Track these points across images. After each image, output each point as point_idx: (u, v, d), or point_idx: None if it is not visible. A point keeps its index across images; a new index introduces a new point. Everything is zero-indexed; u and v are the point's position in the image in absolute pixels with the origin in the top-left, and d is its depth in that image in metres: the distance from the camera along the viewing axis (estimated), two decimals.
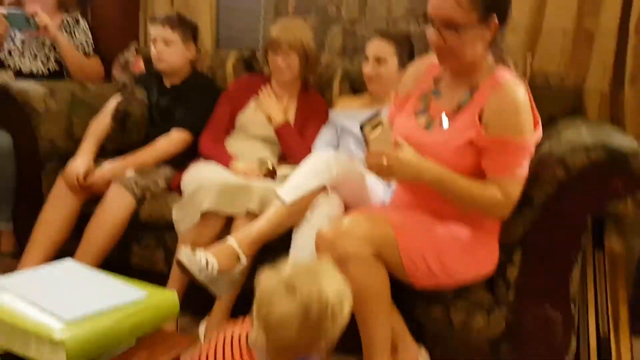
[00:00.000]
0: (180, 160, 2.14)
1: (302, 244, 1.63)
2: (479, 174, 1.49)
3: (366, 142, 1.38)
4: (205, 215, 1.79)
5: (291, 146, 2.09)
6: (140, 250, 2.02)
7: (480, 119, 1.48)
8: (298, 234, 1.66)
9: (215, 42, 2.62)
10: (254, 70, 2.40)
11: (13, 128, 2.21)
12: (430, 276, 1.52)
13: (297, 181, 1.67)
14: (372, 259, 1.47)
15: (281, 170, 2.02)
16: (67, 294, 0.94)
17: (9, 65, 2.44)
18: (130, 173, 2.02)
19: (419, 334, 1.66)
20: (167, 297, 0.97)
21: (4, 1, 2.55)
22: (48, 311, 0.87)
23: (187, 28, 2.22)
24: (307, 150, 2.04)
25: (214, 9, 2.58)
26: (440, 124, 1.50)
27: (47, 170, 2.17)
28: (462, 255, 1.53)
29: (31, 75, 2.42)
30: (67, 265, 1.08)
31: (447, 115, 1.52)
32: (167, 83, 2.27)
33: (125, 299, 0.93)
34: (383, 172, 1.41)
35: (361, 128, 1.36)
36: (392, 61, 2.04)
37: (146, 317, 0.93)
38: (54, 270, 1.05)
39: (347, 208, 1.73)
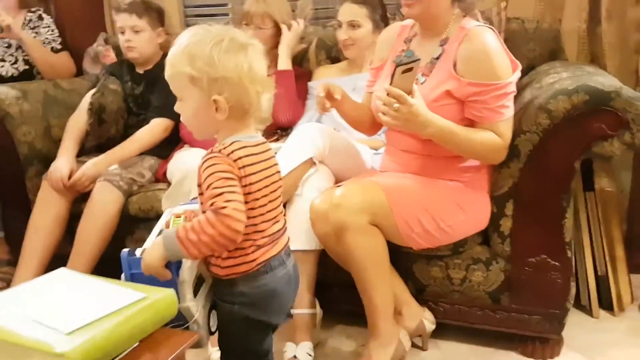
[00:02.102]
0: (164, 149, 2.11)
1: (296, 218, 1.63)
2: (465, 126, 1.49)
3: (391, 80, 1.35)
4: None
5: (288, 93, 2.05)
6: (134, 243, 2.02)
7: (455, 70, 1.49)
8: (291, 209, 1.65)
9: (184, 21, 2.56)
10: None
11: None
12: (427, 237, 1.53)
13: (284, 157, 1.65)
14: (368, 226, 1.47)
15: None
16: (64, 305, 0.93)
17: None
18: (114, 168, 2.00)
19: (421, 294, 1.69)
20: (166, 296, 0.96)
21: None
22: (47, 325, 0.86)
23: (153, 13, 2.17)
24: (294, 112, 2.03)
25: None
26: (417, 81, 1.49)
27: (30, 174, 2.13)
28: (456, 211, 1.54)
29: (1, 79, 2.36)
30: (61, 274, 1.07)
31: (421, 71, 1.52)
32: (140, 70, 2.22)
33: (123, 302, 0.92)
34: (391, 114, 1.39)
35: (396, 65, 1.33)
36: (366, 24, 2.01)
37: (146, 317, 0.92)
38: (48, 281, 1.04)
39: (337, 178, 1.73)
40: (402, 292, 1.65)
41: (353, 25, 2.00)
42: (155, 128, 2.11)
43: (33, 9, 2.44)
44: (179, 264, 1.05)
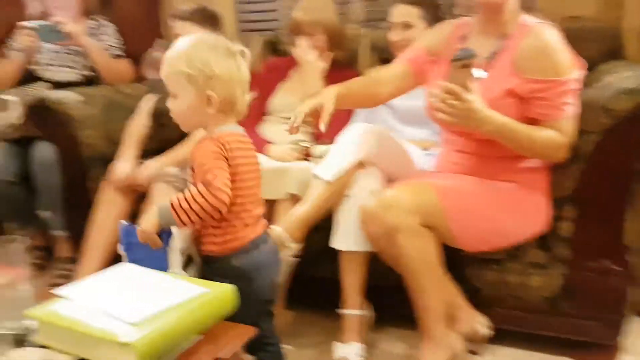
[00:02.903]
0: None
1: (346, 219, 1.64)
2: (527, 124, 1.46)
3: (449, 76, 1.35)
4: None
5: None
6: None
7: (516, 66, 1.47)
8: (341, 210, 1.66)
9: (238, 27, 2.62)
10: (278, 54, 2.39)
11: (55, 138, 2.27)
12: (481, 239, 1.51)
13: (334, 158, 1.66)
14: (420, 228, 1.46)
15: (316, 150, 2.02)
16: (130, 297, 0.98)
17: (44, 78, 2.50)
18: (172, 169, 2.06)
19: (474, 298, 1.66)
20: (227, 290, 0.99)
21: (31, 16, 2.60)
22: (114, 316, 0.90)
23: (211, 20, 2.22)
24: (337, 124, 2.02)
25: None
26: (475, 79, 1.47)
27: (92, 176, 2.22)
28: (513, 214, 1.51)
29: (67, 85, 2.46)
30: (126, 268, 1.11)
31: (479, 67, 1.50)
32: None
33: (187, 295, 0.96)
34: (448, 111, 1.37)
35: (452, 60, 1.34)
36: (419, 25, 2.00)
37: (209, 311, 0.95)
38: (113, 274, 1.09)
39: (388, 180, 1.72)
40: (455, 296, 1.62)
41: (406, 25, 1.99)
42: None
43: (95, 17, 2.55)
44: (169, 235, 1.20)
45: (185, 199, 1.16)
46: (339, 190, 1.66)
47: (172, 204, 1.17)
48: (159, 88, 2.27)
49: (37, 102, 2.23)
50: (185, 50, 1.19)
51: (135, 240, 1.21)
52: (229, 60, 1.20)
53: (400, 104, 2.02)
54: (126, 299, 0.97)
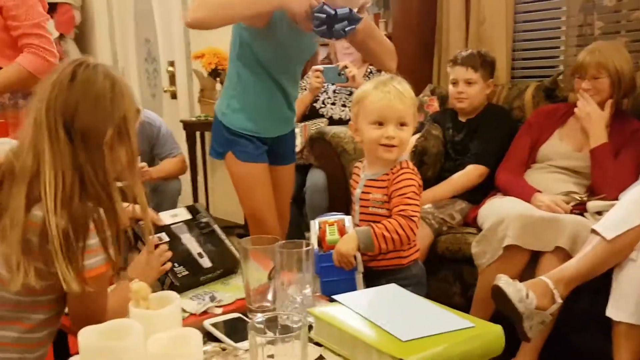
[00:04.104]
0: (476, 194, 2.14)
1: (627, 286, 1.45)
2: None
3: None
4: (508, 250, 1.74)
5: (605, 172, 1.89)
6: (436, 282, 2.06)
7: None
8: (621, 276, 1.48)
9: (508, 73, 2.58)
10: (554, 100, 2.28)
11: (327, 167, 2.52)
12: None
13: (619, 215, 1.50)
14: None
15: (591, 204, 1.84)
16: (399, 316, 1.01)
17: (323, 114, 2.81)
18: (428, 206, 2.10)
19: None
20: (494, 331, 0.96)
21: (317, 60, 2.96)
22: (387, 330, 0.94)
23: (488, 66, 2.25)
24: (621, 180, 1.82)
25: (510, 41, 2.55)
26: None
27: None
28: None
29: (340, 122, 2.73)
30: (391, 288, 1.16)
31: None
32: (462, 118, 2.31)
33: (454, 326, 0.95)
34: None
35: None
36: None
37: (474, 347, 0.93)
38: (381, 292, 1.15)
39: None
40: None
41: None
42: (471, 173, 2.15)
43: None
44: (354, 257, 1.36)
45: (387, 228, 1.34)
46: (619, 251, 1.49)
47: (374, 232, 1.34)
48: (422, 128, 2.37)
49: (317, 135, 2.52)
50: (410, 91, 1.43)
51: (327, 265, 1.35)
52: None
53: None
54: (395, 317, 1.00)
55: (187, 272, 1.42)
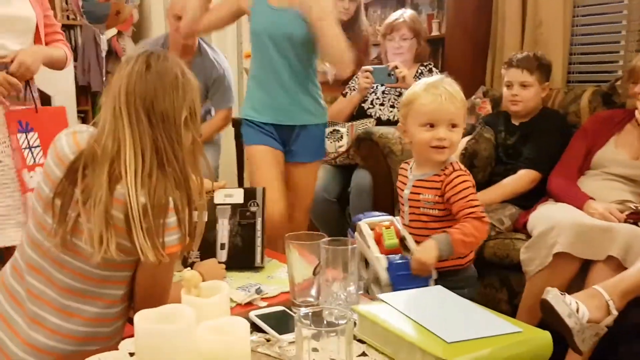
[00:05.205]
0: (527, 199, 2.09)
1: None
2: None
3: None
4: (558, 258, 1.69)
5: None
6: (482, 288, 2.03)
7: None
8: None
9: (564, 77, 2.52)
10: (611, 106, 2.20)
11: (373, 167, 2.52)
12: None
13: None
14: None
15: None
16: (444, 317, 1.00)
17: (371, 115, 2.80)
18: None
19: None
20: (542, 337, 0.94)
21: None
22: (431, 330, 0.93)
23: (544, 69, 2.20)
24: None
25: (567, 45, 2.49)
26: None
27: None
28: None
29: (388, 122, 2.72)
30: (438, 289, 1.15)
31: None
32: (516, 122, 2.27)
33: (500, 330, 0.94)
34: None
35: None
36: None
37: (521, 352, 0.91)
38: (427, 293, 1.14)
39: None
40: None
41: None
42: (523, 178, 2.11)
43: (425, 63, 2.76)
44: None
45: (464, 233, 1.33)
46: None
47: (453, 238, 1.33)
48: (474, 131, 2.33)
49: (364, 135, 2.52)
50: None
51: (403, 273, 1.33)
52: None
53: None
54: (440, 318, 0.99)
55: (198, 259, 1.47)
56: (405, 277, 1.32)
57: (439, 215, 1.40)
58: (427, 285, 1.33)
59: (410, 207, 1.45)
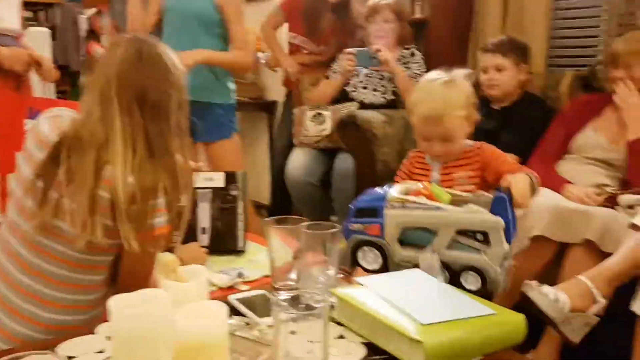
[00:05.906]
0: None
1: None
2: None
3: None
4: (535, 241, 1.72)
5: None
6: None
7: None
8: None
9: (546, 62, 2.53)
10: (590, 90, 2.23)
11: (356, 152, 2.53)
12: None
13: None
14: None
15: (623, 198, 1.81)
16: (420, 300, 1.02)
17: (354, 98, 2.80)
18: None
19: None
20: (516, 319, 0.96)
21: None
22: (407, 313, 0.95)
23: (518, 51, 2.21)
24: None
25: (549, 29, 2.50)
26: None
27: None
28: None
29: (371, 106, 2.72)
30: (415, 273, 1.17)
31: None
32: (496, 106, 2.28)
33: (475, 312, 0.96)
34: None
35: None
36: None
37: (495, 333, 0.93)
38: (404, 276, 1.16)
39: None
40: None
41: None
42: None
43: (407, 46, 2.75)
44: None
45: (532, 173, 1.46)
46: None
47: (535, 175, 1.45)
48: None
49: (347, 119, 2.52)
50: (465, 91, 1.57)
51: (502, 208, 1.24)
52: None
53: None
54: (417, 301, 1.01)
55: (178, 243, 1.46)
56: (505, 210, 1.22)
57: (471, 190, 1.45)
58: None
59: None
